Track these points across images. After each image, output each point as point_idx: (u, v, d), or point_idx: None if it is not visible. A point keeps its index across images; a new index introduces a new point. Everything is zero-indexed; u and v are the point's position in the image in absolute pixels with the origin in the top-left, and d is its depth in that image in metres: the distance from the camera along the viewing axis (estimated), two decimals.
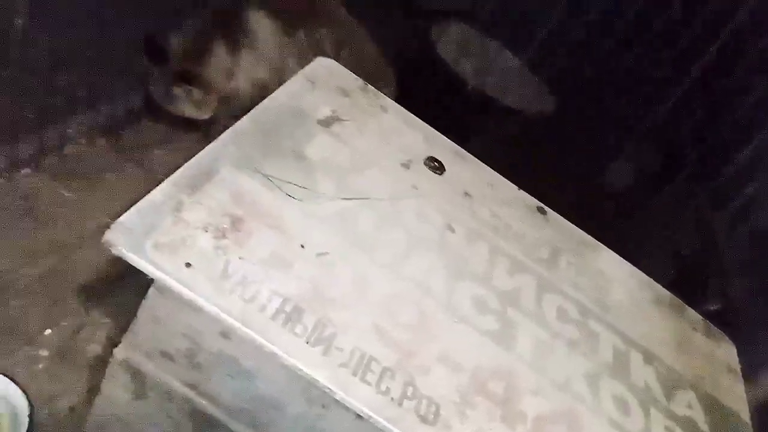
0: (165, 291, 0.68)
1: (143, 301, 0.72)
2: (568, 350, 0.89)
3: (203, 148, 0.80)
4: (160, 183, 1.40)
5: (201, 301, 0.66)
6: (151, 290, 0.70)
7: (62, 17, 1.13)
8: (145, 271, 0.66)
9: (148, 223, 0.69)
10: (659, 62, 1.52)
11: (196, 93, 1.34)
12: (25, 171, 1.24)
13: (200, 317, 0.68)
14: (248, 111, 0.89)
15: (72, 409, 1.01)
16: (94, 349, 1.09)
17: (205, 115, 1.38)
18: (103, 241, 0.66)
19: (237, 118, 0.87)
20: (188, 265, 0.68)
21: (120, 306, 1.15)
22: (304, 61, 1.37)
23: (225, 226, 0.74)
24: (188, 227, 0.71)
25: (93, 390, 1.03)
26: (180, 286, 0.66)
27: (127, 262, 0.67)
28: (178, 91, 1.34)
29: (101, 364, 1.07)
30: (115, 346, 1.10)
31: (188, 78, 1.33)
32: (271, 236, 0.76)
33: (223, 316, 0.66)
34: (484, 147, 1.17)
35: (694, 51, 1.51)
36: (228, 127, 0.84)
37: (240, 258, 0.72)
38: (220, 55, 1.35)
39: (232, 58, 1.37)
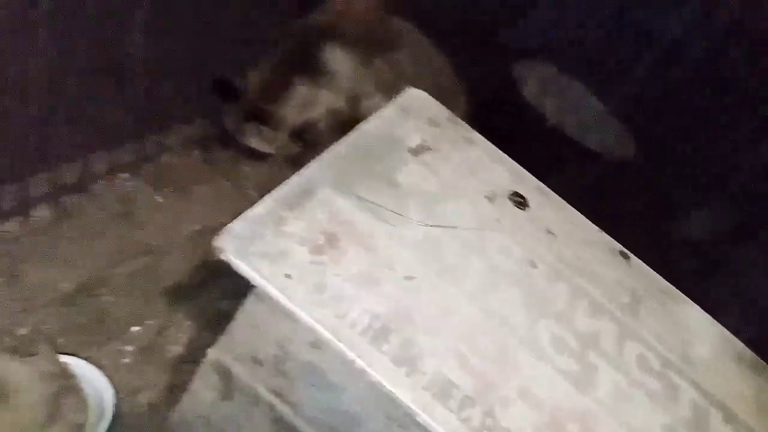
0: (264, 298, 0.72)
1: (241, 306, 0.76)
2: (647, 400, 0.87)
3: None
4: (247, 196, 1.47)
5: (298, 311, 0.70)
6: (250, 297, 0.74)
7: (171, 36, 1.21)
8: (247, 278, 0.70)
9: (253, 233, 0.73)
10: (749, 119, 1.50)
11: (266, 131, 1.38)
12: (125, 175, 1.32)
13: (294, 326, 0.71)
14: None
15: (151, 405, 1.06)
16: (176, 349, 1.14)
17: (271, 150, 1.42)
18: (212, 245, 0.70)
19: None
20: (288, 276, 0.71)
21: (201, 310, 1.20)
22: (380, 90, 1.42)
23: (321, 242, 0.77)
24: (288, 240, 0.75)
25: (172, 388, 1.09)
26: (280, 295, 0.69)
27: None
28: (248, 127, 1.38)
29: (181, 364, 1.13)
30: (195, 347, 1.16)
31: (260, 116, 1.36)
32: (363, 256, 0.79)
33: (318, 327, 0.69)
34: (562, 187, 1.18)
35: None
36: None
37: (334, 274, 0.75)
38: (296, 91, 1.38)
39: (309, 92, 1.39)
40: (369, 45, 1.44)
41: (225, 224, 1.32)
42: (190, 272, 1.24)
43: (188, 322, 1.17)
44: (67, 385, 0.88)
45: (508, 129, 1.23)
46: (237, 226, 0.72)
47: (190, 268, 1.25)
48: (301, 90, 1.38)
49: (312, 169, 0.84)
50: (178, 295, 1.20)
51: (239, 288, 1.21)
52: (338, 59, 1.38)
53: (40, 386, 0.83)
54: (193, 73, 1.32)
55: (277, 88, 1.38)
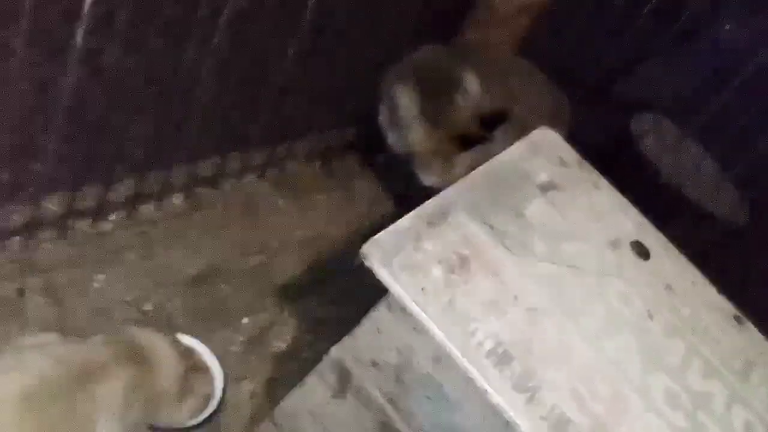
0: (396, 307, 0.76)
1: (371, 311, 0.80)
2: None
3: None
4: (358, 210, 1.53)
5: (430, 324, 0.73)
6: (381, 304, 0.78)
7: (315, 60, 1.30)
8: (388, 286, 0.74)
9: (396, 245, 0.78)
10: None
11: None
12: (252, 176, 1.41)
13: (421, 338, 0.75)
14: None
15: (253, 393, 1.12)
16: (279, 345, 1.20)
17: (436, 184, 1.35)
18: (360, 252, 0.75)
19: None
20: (423, 290, 0.75)
21: (306, 312, 1.26)
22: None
23: (454, 262, 0.81)
24: (426, 256, 0.79)
25: (272, 381, 1.15)
26: (415, 307, 0.73)
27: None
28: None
29: (284, 360, 1.19)
30: (297, 346, 1.22)
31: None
32: (490, 281, 0.82)
33: (446, 342, 0.73)
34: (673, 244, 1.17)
35: None
36: None
37: (465, 295, 0.78)
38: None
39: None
40: (493, 69, 1.46)
41: (335, 234, 1.41)
42: (300, 275, 1.31)
43: (293, 321, 1.24)
44: (198, 362, 0.95)
45: (623, 181, 1.24)
46: (383, 236, 0.77)
47: (301, 271, 1.31)
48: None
49: (450, 192, 0.89)
50: (286, 295, 1.27)
51: (342, 296, 1.27)
52: (472, 82, 1.41)
53: (178, 361, 0.89)
54: (326, 90, 1.40)
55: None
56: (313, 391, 0.88)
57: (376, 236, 0.77)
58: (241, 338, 1.17)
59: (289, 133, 1.44)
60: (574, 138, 1.20)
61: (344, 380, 0.84)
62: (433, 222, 0.84)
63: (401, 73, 1.42)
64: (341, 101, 1.46)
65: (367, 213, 1.48)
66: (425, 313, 0.73)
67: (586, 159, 1.15)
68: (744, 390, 0.96)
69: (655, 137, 1.60)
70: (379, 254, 0.75)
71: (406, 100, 1.38)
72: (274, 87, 1.28)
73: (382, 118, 1.43)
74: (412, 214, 0.83)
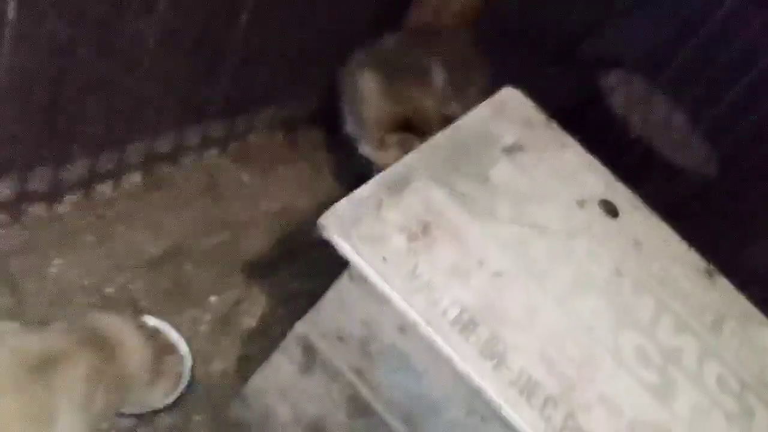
0: (358, 279, 0.74)
1: (333, 284, 0.78)
2: (723, 420, 0.86)
3: None
4: (325, 181, 1.50)
5: (392, 294, 0.71)
6: (344, 276, 0.76)
7: (270, 25, 1.25)
8: (347, 257, 0.72)
9: (355, 215, 0.75)
10: None
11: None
12: (213, 151, 1.37)
13: (384, 309, 0.73)
14: None
15: (224, 372, 1.10)
16: (249, 322, 1.17)
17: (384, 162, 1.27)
18: (317, 224, 0.72)
19: None
20: (384, 259, 0.73)
21: (275, 287, 1.24)
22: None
23: (416, 230, 0.78)
24: (386, 225, 0.76)
25: (243, 359, 1.12)
26: (376, 277, 0.71)
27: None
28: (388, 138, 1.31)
29: (254, 337, 1.16)
30: (267, 322, 1.20)
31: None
32: (454, 247, 0.80)
33: (410, 311, 0.71)
34: (645, 200, 1.16)
35: None
36: None
37: (427, 262, 0.76)
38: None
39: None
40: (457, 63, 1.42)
41: (302, 206, 1.37)
42: (267, 250, 1.28)
43: (263, 297, 1.21)
44: (166, 344, 0.93)
45: (592, 138, 1.22)
46: (342, 206, 0.74)
47: (268, 246, 1.28)
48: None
49: (411, 159, 0.86)
50: (255, 270, 1.24)
51: (311, 269, 1.25)
52: (438, 74, 1.37)
53: (144, 345, 0.86)
54: (285, 59, 1.35)
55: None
56: (280, 367, 0.86)
57: (334, 207, 0.74)
58: (209, 317, 1.14)
59: (250, 104, 1.39)
60: (543, 98, 1.19)
61: (310, 355, 0.82)
62: (394, 189, 0.81)
63: (367, 58, 1.38)
64: (303, 71, 1.41)
65: (335, 183, 1.45)
66: (387, 283, 0.71)
67: (554, 119, 1.13)
68: (715, 343, 0.96)
69: (624, 93, 1.58)
70: (337, 225, 0.72)
71: (369, 83, 1.34)
72: (230, 56, 1.22)
73: (345, 100, 1.40)
74: (372, 181, 0.80)
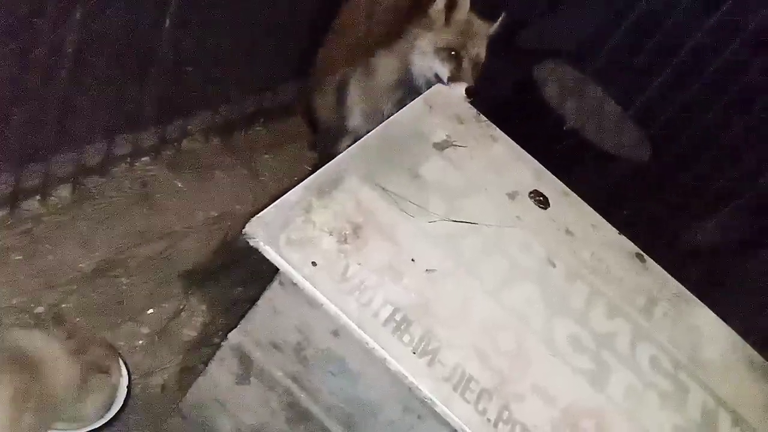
0: (289, 285, 0.73)
1: (264, 292, 0.77)
2: (659, 401, 0.88)
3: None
4: (264, 185, 1.47)
5: (322, 299, 0.70)
6: (274, 283, 0.75)
7: (200, 25, 1.22)
8: (276, 264, 0.71)
9: (283, 220, 0.74)
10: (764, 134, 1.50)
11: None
12: (145, 159, 1.33)
13: (317, 314, 0.72)
14: None
15: (164, 386, 1.07)
16: (189, 333, 1.15)
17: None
18: (243, 232, 0.71)
19: None
20: (314, 263, 0.72)
21: (215, 296, 1.21)
22: None
23: (347, 231, 0.78)
24: (315, 228, 0.76)
25: (185, 371, 1.10)
26: (306, 282, 0.70)
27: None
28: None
29: (195, 347, 1.14)
30: (208, 332, 1.17)
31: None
32: (386, 247, 0.80)
33: (341, 315, 0.70)
34: (579, 188, 1.18)
35: None
36: None
37: (358, 263, 0.75)
38: None
39: None
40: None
41: (241, 211, 1.35)
42: (206, 258, 1.25)
43: (202, 307, 1.18)
44: (99, 360, 0.90)
45: (527, 129, 1.24)
46: (269, 213, 0.73)
47: (206, 254, 1.26)
48: None
49: (341, 159, 0.85)
50: (193, 279, 1.21)
51: (254, 275, 1.23)
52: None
53: (71, 363, 0.84)
54: (218, 62, 1.32)
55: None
56: (216, 379, 0.84)
57: (260, 213, 0.73)
58: (147, 330, 1.12)
59: (183, 109, 1.36)
60: (479, 92, 1.19)
61: (246, 365, 0.81)
62: (324, 191, 0.80)
63: None
64: (237, 73, 1.39)
65: (274, 187, 1.43)
66: (316, 287, 0.70)
67: (487, 113, 1.14)
68: (648, 326, 0.98)
69: (557, 83, 1.60)
70: (263, 232, 0.71)
71: None
72: (159, 61, 1.19)
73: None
74: (300, 185, 0.79)
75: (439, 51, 1.24)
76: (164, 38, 1.16)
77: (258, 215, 0.72)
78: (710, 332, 1.05)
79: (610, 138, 1.57)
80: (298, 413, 0.80)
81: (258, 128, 1.53)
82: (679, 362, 0.96)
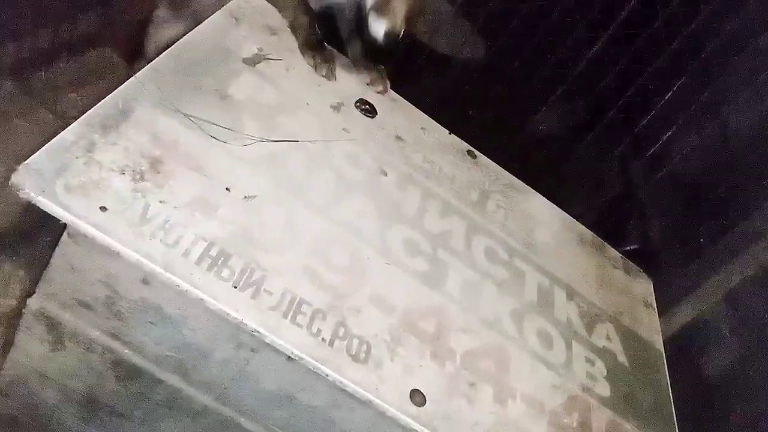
0: (79, 236, 0.64)
1: (56, 248, 0.68)
2: (496, 289, 0.91)
3: None
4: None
5: (118, 246, 0.63)
6: (64, 236, 0.66)
7: None
8: (55, 215, 0.62)
9: (59, 165, 0.64)
10: (582, 18, 1.54)
11: None
12: None
13: (118, 263, 0.65)
14: None
15: None
16: (8, 303, 1.03)
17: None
18: (9, 183, 0.61)
19: None
20: (103, 208, 0.64)
21: (35, 258, 1.08)
22: None
23: (143, 167, 0.70)
24: (102, 169, 0.67)
25: (8, 346, 0.99)
26: (95, 231, 0.62)
27: (41, 210, 0.63)
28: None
29: (16, 318, 1.02)
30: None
31: None
32: (194, 179, 0.73)
33: (144, 261, 0.64)
34: (416, 94, 1.16)
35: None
36: None
37: (160, 201, 0.68)
38: None
39: None
40: None
41: None
42: (17, 217, 1.11)
43: (20, 272, 1.06)
44: None
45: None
46: (38, 158, 0.63)
47: (17, 213, 1.11)
48: None
49: (129, 86, 0.75)
50: (5, 243, 1.07)
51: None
52: None
53: None
54: None
55: None
56: (28, 350, 0.75)
57: (27, 160, 0.63)
58: None
59: None
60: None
61: (56, 330, 0.72)
62: (109, 125, 0.71)
63: None
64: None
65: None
66: (109, 234, 0.63)
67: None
68: (482, 219, 1.00)
69: None
70: (34, 180, 0.62)
71: None
72: None
73: None
74: (77, 122, 0.69)
75: None
76: None
77: (25, 162, 0.62)
78: (542, 217, 1.10)
79: (442, 37, 1.55)
80: (126, 370, 0.74)
81: (61, 65, 1.34)
82: (514, 249, 0.99)
